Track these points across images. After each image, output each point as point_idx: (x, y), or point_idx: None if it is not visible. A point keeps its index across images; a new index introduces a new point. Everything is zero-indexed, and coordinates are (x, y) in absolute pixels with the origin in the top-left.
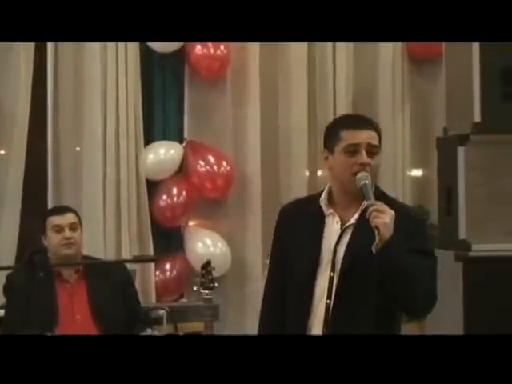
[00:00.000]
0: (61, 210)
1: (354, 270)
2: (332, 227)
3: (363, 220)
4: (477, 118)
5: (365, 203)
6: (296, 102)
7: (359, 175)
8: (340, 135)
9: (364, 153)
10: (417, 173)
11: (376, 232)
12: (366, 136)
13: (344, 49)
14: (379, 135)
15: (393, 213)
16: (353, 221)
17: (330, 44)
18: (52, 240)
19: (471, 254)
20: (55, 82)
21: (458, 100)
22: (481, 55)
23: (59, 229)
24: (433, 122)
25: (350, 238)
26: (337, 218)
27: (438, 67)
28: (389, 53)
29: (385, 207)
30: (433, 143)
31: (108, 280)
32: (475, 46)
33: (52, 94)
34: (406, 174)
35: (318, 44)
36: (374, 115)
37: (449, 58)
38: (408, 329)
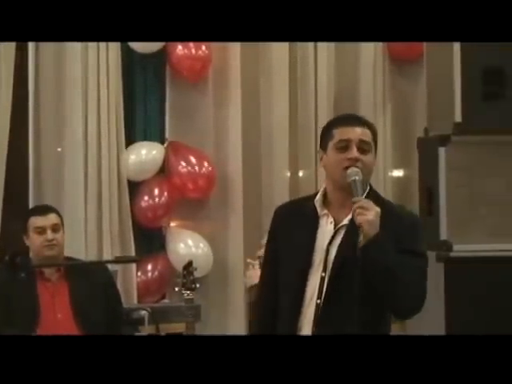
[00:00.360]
0: (42, 210)
1: (345, 269)
2: (326, 228)
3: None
4: (458, 118)
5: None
6: (277, 103)
7: (349, 170)
8: (332, 133)
9: (355, 148)
10: (398, 173)
11: (360, 230)
12: (357, 132)
13: (325, 49)
14: (373, 134)
15: (378, 210)
16: (346, 221)
17: (311, 44)
18: (34, 241)
19: (452, 254)
20: (36, 82)
21: (439, 100)
22: (462, 55)
23: (41, 230)
24: (414, 122)
25: (342, 239)
26: (331, 219)
27: (419, 67)
28: (370, 53)
29: (370, 204)
30: (414, 143)
31: (89, 280)
32: (456, 47)
33: (33, 94)
34: (387, 174)
35: (300, 44)
36: None
37: (430, 58)
38: None
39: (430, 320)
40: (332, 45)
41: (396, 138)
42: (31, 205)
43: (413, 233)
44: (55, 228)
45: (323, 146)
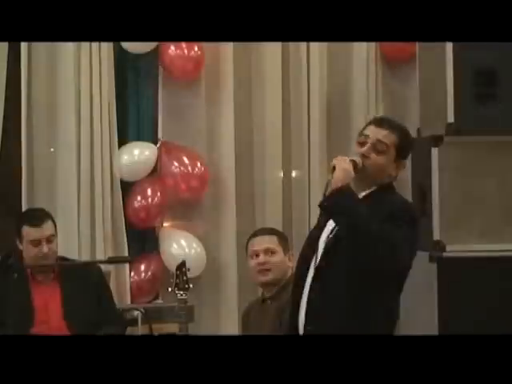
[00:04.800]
0: (37, 219)
1: (330, 260)
2: (330, 226)
3: None
4: (450, 118)
5: (361, 195)
6: (270, 103)
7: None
8: (363, 129)
9: (368, 146)
10: None
11: (331, 172)
12: (377, 132)
13: (318, 49)
14: (400, 139)
15: (351, 169)
16: None
17: (303, 44)
18: (28, 252)
19: (445, 254)
20: (29, 82)
21: (432, 101)
22: (454, 56)
23: (37, 243)
24: (407, 122)
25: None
26: None
27: (411, 68)
28: (362, 53)
29: (347, 160)
30: None
31: (82, 281)
32: (449, 47)
33: (26, 95)
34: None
35: (292, 44)
36: (347, 116)
37: (422, 58)
38: None
39: (422, 320)
40: (324, 45)
41: None
42: (24, 205)
43: (394, 215)
44: (50, 239)
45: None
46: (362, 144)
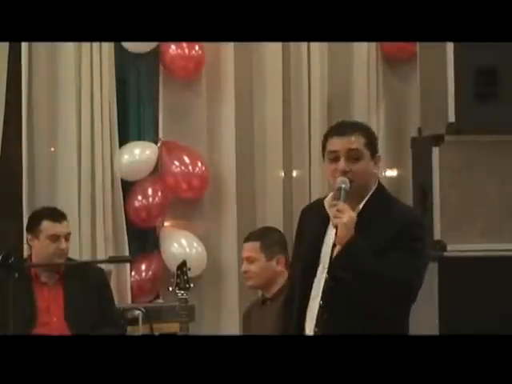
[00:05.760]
0: (58, 216)
1: (344, 271)
2: (332, 230)
3: (358, 222)
4: (451, 118)
5: (360, 207)
6: (271, 102)
7: (338, 179)
8: (325, 143)
9: (342, 160)
10: (391, 173)
11: (334, 231)
12: (345, 142)
13: (318, 49)
14: (368, 138)
15: (353, 215)
16: None
17: (304, 44)
18: (46, 247)
19: (446, 254)
20: (30, 82)
21: (433, 100)
22: (455, 55)
23: (56, 238)
24: (407, 122)
25: None
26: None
27: (412, 67)
28: (363, 53)
29: (346, 208)
30: (407, 143)
31: (84, 282)
32: (449, 47)
33: (26, 95)
34: (380, 174)
35: (293, 44)
36: (348, 116)
37: (423, 58)
38: None
39: (423, 320)
40: (325, 44)
41: (389, 137)
42: (25, 205)
43: (410, 233)
44: (67, 237)
45: (323, 155)
46: (333, 160)
